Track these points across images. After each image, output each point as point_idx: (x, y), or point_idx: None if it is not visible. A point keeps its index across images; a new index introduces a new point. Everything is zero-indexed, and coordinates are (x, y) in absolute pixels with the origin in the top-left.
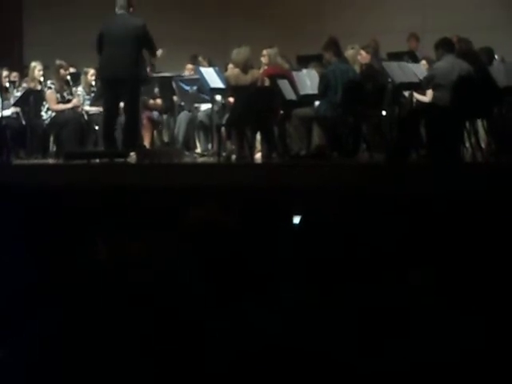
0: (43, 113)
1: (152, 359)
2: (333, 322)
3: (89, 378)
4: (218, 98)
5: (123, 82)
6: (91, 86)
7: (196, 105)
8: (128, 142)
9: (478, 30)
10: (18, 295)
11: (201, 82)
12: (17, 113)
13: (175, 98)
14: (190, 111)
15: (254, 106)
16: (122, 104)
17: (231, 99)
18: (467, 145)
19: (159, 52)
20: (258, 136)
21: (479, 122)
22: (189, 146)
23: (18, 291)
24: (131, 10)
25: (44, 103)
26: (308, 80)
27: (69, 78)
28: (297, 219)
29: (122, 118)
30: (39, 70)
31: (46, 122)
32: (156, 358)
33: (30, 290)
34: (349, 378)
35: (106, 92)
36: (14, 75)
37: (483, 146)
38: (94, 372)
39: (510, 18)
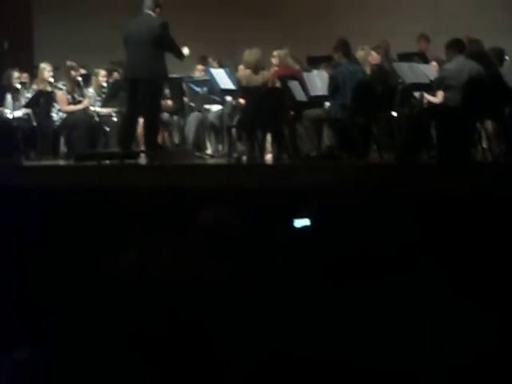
0: (54, 114)
1: (165, 360)
2: (342, 322)
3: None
4: (229, 99)
5: (141, 83)
6: (102, 87)
7: (206, 106)
8: (149, 143)
9: (488, 32)
10: (28, 296)
11: (211, 83)
12: (27, 114)
13: (185, 99)
14: (200, 112)
15: (265, 107)
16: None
17: (242, 100)
18: (477, 145)
19: (186, 51)
20: (269, 137)
21: (489, 123)
22: (199, 147)
23: (28, 292)
24: (157, 10)
25: (55, 104)
26: (318, 81)
27: (80, 79)
28: (307, 220)
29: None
30: (49, 71)
31: (57, 123)
32: (169, 358)
33: (41, 292)
34: (355, 377)
35: (128, 93)
36: (25, 76)
37: (493, 146)
38: (112, 372)
39: None
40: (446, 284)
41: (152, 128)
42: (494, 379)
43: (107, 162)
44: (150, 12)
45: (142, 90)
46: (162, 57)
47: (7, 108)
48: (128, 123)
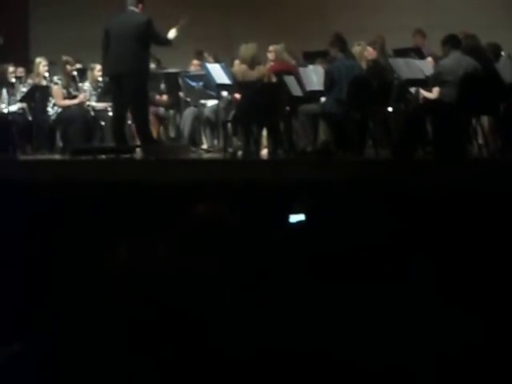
0: (49, 108)
1: (158, 359)
2: (335, 320)
3: (98, 376)
4: (225, 93)
5: (126, 78)
6: (98, 81)
7: (202, 101)
8: (141, 137)
9: (483, 28)
10: (26, 291)
11: (207, 77)
12: (23, 108)
13: (181, 93)
14: (196, 107)
15: (261, 102)
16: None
17: (237, 95)
18: (473, 141)
19: (171, 35)
20: (264, 132)
21: (486, 119)
22: (195, 141)
23: (25, 287)
24: (140, 6)
25: (50, 99)
26: (314, 76)
27: (75, 73)
28: (303, 215)
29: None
30: (44, 66)
31: (53, 117)
32: (161, 357)
33: (37, 286)
34: (349, 376)
35: (112, 89)
36: (21, 71)
37: (489, 142)
38: (104, 371)
39: None
40: (440, 279)
41: (142, 123)
42: (488, 378)
43: (103, 156)
44: (134, 8)
45: (128, 85)
46: (146, 52)
47: (3, 102)
48: (116, 119)
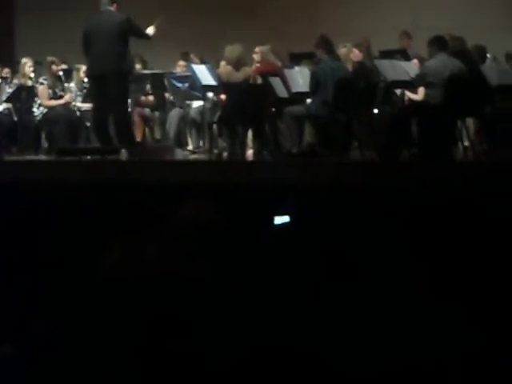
0: (35, 109)
1: (152, 359)
2: (324, 320)
3: (89, 376)
4: (210, 95)
5: (109, 78)
6: (83, 82)
7: (188, 102)
8: (121, 139)
9: (469, 29)
10: (15, 294)
11: (193, 78)
12: (8, 109)
13: (167, 94)
14: (181, 108)
15: (246, 103)
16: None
17: (223, 96)
18: (459, 143)
19: (150, 31)
20: (250, 133)
21: (471, 121)
22: (180, 142)
23: (15, 289)
24: (115, 6)
25: (36, 99)
26: (300, 78)
27: (61, 73)
28: (288, 217)
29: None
30: (30, 66)
31: (38, 118)
32: (155, 358)
33: (26, 288)
34: (340, 378)
35: (94, 89)
36: (6, 71)
37: (475, 144)
38: (96, 372)
39: (503, 17)
40: (423, 281)
41: (124, 124)
42: (477, 379)
43: (88, 157)
44: (110, 8)
45: (111, 84)
46: (127, 51)
47: None
48: (99, 119)
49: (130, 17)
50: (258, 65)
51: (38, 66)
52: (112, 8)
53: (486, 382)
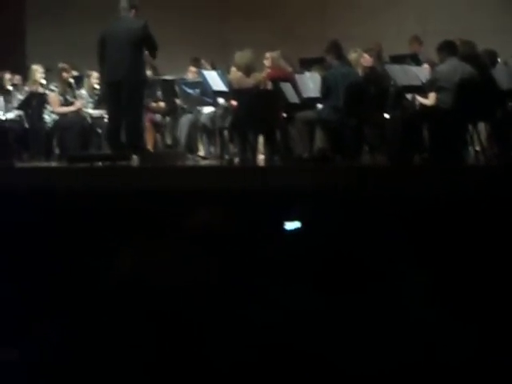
0: (46, 116)
1: (157, 360)
2: (331, 324)
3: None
4: (221, 101)
5: (123, 85)
6: (94, 88)
7: (199, 108)
8: (131, 145)
9: (480, 34)
10: (22, 300)
11: (204, 84)
12: (20, 116)
13: (178, 100)
14: (192, 114)
15: (257, 109)
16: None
17: (234, 102)
18: (470, 148)
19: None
20: (261, 139)
21: (482, 125)
22: (191, 148)
23: (23, 296)
24: (133, 12)
25: (47, 106)
26: (311, 83)
27: (72, 80)
28: (299, 222)
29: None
30: (40, 73)
31: (49, 124)
32: (161, 358)
33: (31, 293)
34: (344, 379)
35: (109, 96)
36: (17, 78)
37: (486, 148)
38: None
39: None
40: (436, 287)
41: (135, 130)
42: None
43: (99, 163)
44: (128, 14)
45: (125, 92)
46: (142, 58)
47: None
48: (113, 126)
49: (147, 24)
50: (269, 70)
51: (49, 73)
52: (130, 14)
53: (488, 382)
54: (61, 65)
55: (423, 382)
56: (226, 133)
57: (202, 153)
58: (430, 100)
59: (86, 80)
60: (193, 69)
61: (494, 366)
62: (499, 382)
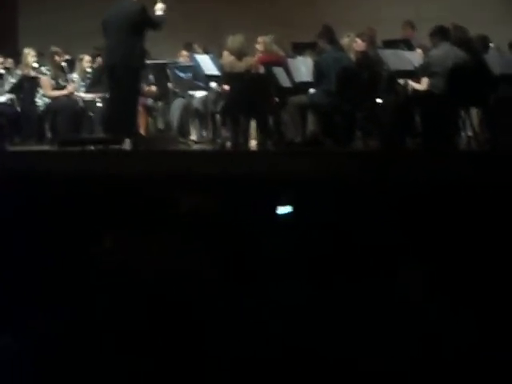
0: (38, 99)
1: (153, 355)
2: (325, 317)
3: (89, 373)
4: (213, 85)
5: (118, 69)
6: (86, 72)
7: (191, 92)
8: (124, 129)
9: (471, 21)
10: (16, 285)
11: (196, 68)
12: (11, 99)
13: (170, 84)
14: (184, 98)
15: (249, 93)
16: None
17: (226, 86)
18: (462, 133)
19: (159, 8)
20: (253, 123)
21: (474, 110)
22: (183, 133)
23: (16, 280)
24: None
25: (39, 90)
26: (303, 67)
27: (64, 64)
28: (291, 207)
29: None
30: (32, 57)
31: (41, 108)
32: (157, 354)
33: (25, 279)
34: (347, 376)
35: (107, 79)
36: (9, 62)
37: (478, 133)
38: (95, 367)
39: (505, 8)
40: (429, 276)
41: (128, 114)
42: (479, 377)
43: (91, 147)
44: None
45: (118, 75)
46: (139, 42)
47: None
48: (108, 109)
49: (145, 7)
50: (261, 54)
51: (41, 57)
52: None
53: (489, 381)
54: (53, 48)
55: (423, 377)
56: (218, 117)
57: (194, 137)
58: (422, 85)
59: (78, 64)
60: (185, 53)
61: (492, 360)
62: (498, 376)
